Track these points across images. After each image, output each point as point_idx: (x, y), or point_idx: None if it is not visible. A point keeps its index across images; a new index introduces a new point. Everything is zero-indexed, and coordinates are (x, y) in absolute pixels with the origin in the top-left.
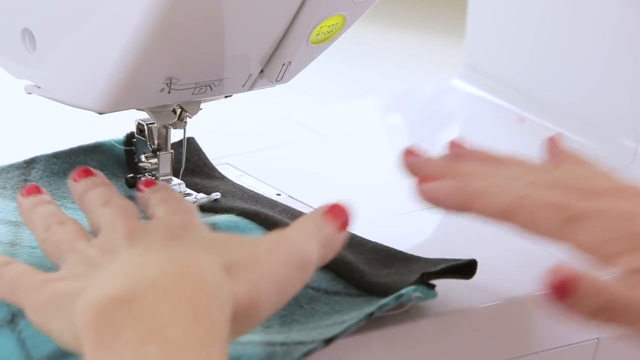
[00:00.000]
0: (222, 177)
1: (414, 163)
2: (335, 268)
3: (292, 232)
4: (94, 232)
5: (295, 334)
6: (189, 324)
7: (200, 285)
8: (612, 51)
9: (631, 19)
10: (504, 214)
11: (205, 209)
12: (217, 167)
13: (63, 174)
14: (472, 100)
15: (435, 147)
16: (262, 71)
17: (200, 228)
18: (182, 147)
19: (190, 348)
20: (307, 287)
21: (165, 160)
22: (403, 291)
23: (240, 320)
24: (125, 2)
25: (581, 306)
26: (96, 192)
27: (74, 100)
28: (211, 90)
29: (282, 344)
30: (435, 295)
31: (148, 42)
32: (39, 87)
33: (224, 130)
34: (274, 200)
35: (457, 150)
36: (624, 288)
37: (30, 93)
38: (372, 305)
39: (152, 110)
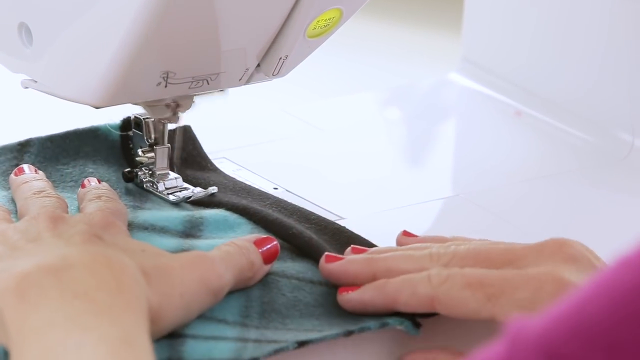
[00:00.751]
0: (215, 169)
1: (334, 269)
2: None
3: (211, 255)
4: (20, 219)
5: (271, 333)
6: (114, 291)
7: (123, 268)
8: (609, 45)
9: (628, 14)
10: (428, 304)
11: (196, 202)
12: (214, 161)
13: (55, 159)
14: (470, 94)
15: (432, 141)
16: (258, 65)
17: (121, 232)
18: (176, 140)
19: (116, 309)
20: (292, 277)
21: (162, 154)
22: (389, 321)
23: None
24: None
25: None
26: (34, 184)
27: (71, 94)
28: (208, 84)
29: (256, 340)
30: (417, 334)
31: (144, 36)
32: (36, 82)
33: (221, 125)
34: (265, 193)
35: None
36: None
37: (27, 87)
38: (354, 325)
39: (148, 104)
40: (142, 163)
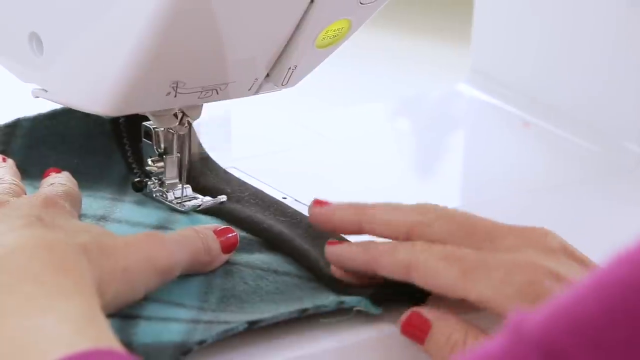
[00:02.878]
0: (228, 178)
1: (321, 213)
2: (291, 252)
3: (164, 234)
4: None
5: (226, 315)
6: (60, 274)
7: (63, 249)
8: (616, 55)
9: (635, 23)
10: (405, 270)
11: (205, 211)
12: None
13: (42, 143)
14: (478, 104)
15: (441, 151)
16: (268, 75)
17: (64, 212)
18: (185, 150)
19: (66, 289)
20: (257, 267)
21: (171, 163)
22: (346, 300)
23: None
24: (132, 6)
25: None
26: None
27: (81, 103)
28: (217, 94)
29: (207, 322)
30: (378, 312)
31: (154, 46)
32: (46, 91)
33: (231, 134)
34: (245, 183)
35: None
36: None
37: (37, 97)
38: (310, 303)
39: (155, 114)
40: (151, 172)
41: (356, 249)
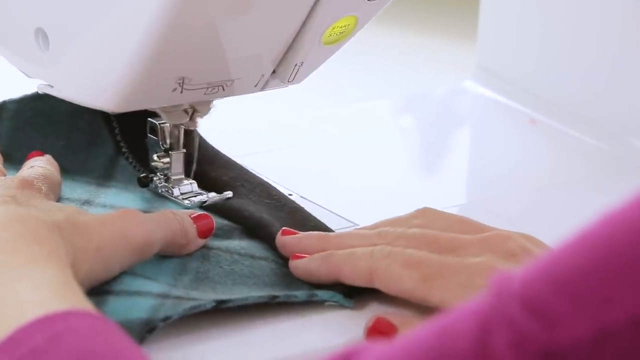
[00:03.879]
0: (214, 157)
1: (288, 241)
2: (269, 239)
3: (141, 213)
4: None
5: (196, 292)
6: (33, 242)
7: (36, 223)
8: (622, 52)
9: None
10: (367, 277)
11: (210, 207)
12: None
13: (29, 125)
14: (484, 101)
15: (446, 148)
16: (274, 71)
17: (39, 193)
18: (194, 146)
19: (41, 258)
20: (234, 252)
21: (177, 159)
22: (318, 293)
23: None
24: (137, 2)
25: None
26: None
27: (87, 99)
28: (223, 90)
29: (176, 297)
30: (351, 305)
31: (160, 42)
32: (52, 87)
33: (237, 130)
34: (232, 164)
35: None
36: None
37: (43, 92)
38: (282, 292)
39: (164, 110)
40: (157, 168)
41: (318, 263)
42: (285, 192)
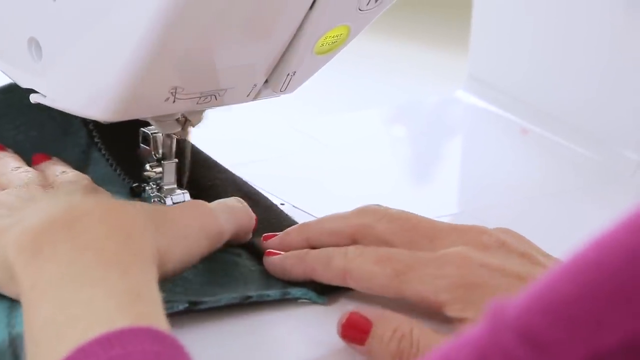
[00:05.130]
0: (225, 171)
1: (272, 243)
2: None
3: (212, 205)
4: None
5: (168, 295)
6: (123, 241)
7: (130, 217)
8: (614, 62)
9: (632, 30)
10: (341, 276)
11: None
12: None
13: (2, 116)
14: (476, 111)
15: (438, 158)
16: (266, 81)
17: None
18: (185, 156)
19: (125, 258)
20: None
21: (169, 169)
22: (291, 290)
23: None
24: (130, 11)
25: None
26: (7, 160)
27: (80, 109)
28: (216, 99)
29: None
30: (324, 301)
31: (153, 51)
32: (45, 96)
33: (228, 140)
34: (214, 166)
35: None
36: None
37: (35, 102)
38: (255, 291)
39: (156, 120)
40: (149, 178)
41: (293, 261)
42: (278, 202)
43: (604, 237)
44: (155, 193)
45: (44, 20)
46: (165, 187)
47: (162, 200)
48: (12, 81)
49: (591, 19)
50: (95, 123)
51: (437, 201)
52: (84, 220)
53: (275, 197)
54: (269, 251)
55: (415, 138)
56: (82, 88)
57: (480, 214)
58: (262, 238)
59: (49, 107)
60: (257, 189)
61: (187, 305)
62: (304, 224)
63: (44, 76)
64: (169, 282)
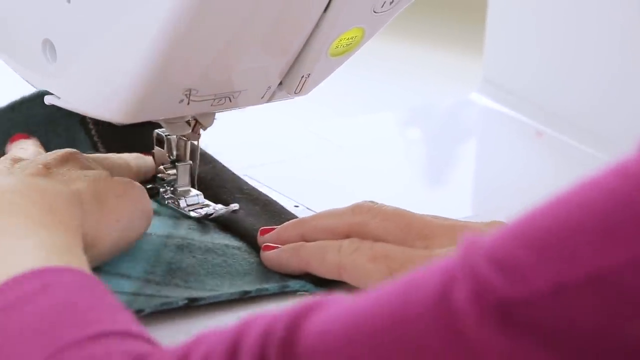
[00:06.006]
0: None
1: (268, 239)
2: (242, 231)
3: (127, 157)
4: None
5: (168, 290)
6: (47, 211)
7: (53, 195)
8: (629, 66)
9: None
10: (336, 271)
11: (217, 220)
12: None
13: (8, 136)
14: (490, 114)
15: (452, 161)
16: (281, 83)
17: (79, 165)
18: (196, 158)
19: (51, 224)
20: (208, 242)
21: (183, 171)
22: (290, 283)
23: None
24: (145, 13)
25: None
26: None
27: (94, 110)
28: (230, 101)
29: (149, 295)
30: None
31: (167, 53)
32: (59, 98)
33: (243, 142)
34: (239, 181)
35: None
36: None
37: (50, 103)
38: (254, 284)
39: (167, 121)
40: (163, 180)
41: (288, 255)
42: (292, 204)
43: (590, 180)
44: (170, 195)
45: (59, 22)
46: (180, 189)
47: (177, 202)
48: (17, 99)
49: (604, 22)
50: (99, 134)
51: (451, 204)
52: (6, 195)
53: (289, 199)
54: (266, 245)
55: (429, 140)
56: (96, 89)
57: (494, 216)
58: (259, 232)
59: (54, 123)
60: (272, 191)
61: (186, 301)
62: (300, 220)
63: (58, 78)
64: (166, 271)
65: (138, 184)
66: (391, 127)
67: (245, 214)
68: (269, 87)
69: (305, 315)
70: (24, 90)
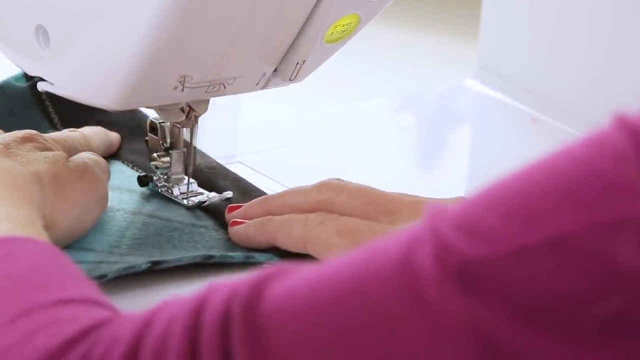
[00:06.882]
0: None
1: (236, 215)
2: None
3: (94, 167)
4: None
5: (132, 258)
6: (11, 188)
7: (17, 174)
8: (625, 52)
9: None
10: (301, 245)
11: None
12: (229, 165)
13: None
14: (485, 100)
15: (447, 147)
16: (275, 70)
17: (40, 146)
18: (191, 145)
19: (15, 198)
20: (174, 221)
21: (177, 158)
22: (255, 255)
23: None
24: None
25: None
26: None
27: (87, 97)
28: (224, 88)
29: (112, 262)
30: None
31: (161, 39)
32: (52, 84)
33: (237, 129)
34: (229, 171)
35: None
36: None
37: (43, 89)
38: (218, 251)
39: (161, 108)
40: (157, 167)
41: (254, 228)
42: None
43: (562, 150)
44: (163, 183)
45: (52, 7)
46: (173, 177)
47: (170, 190)
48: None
49: (601, 9)
50: (60, 118)
51: (445, 190)
52: None
53: (283, 186)
54: (234, 221)
55: (424, 127)
56: (89, 76)
57: None
58: (226, 209)
59: (14, 115)
60: (266, 177)
61: (149, 265)
62: (267, 197)
63: (52, 64)
64: (131, 245)
65: (97, 168)
66: (385, 113)
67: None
68: (264, 74)
69: (270, 280)
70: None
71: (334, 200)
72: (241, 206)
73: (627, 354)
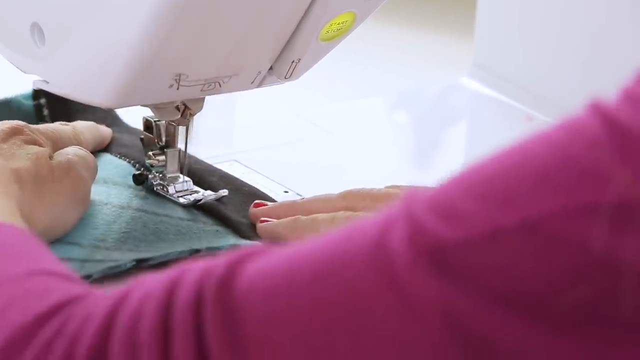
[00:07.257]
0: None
1: (261, 212)
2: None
3: (78, 168)
4: None
5: (118, 254)
6: None
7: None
8: (621, 50)
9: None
10: None
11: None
12: (224, 163)
13: None
14: (481, 98)
15: (442, 145)
16: (271, 68)
17: (26, 140)
18: (185, 143)
19: None
20: (162, 215)
21: (172, 157)
22: (242, 243)
23: None
24: None
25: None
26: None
27: (83, 95)
28: (220, 86)
29: (98, 261)
30: None
31: (157, 38)
32: (47, 82)
33: (232, 127)
34: (217, 168)
35: None
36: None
37: (38, 88)
38: (202, 243)
39: (156, 107)
40: (152, 166)
41: (283, 226)
42: (281, 190)
43: (538, 134)
44: (158, 181)
45: (47, 5)
46: (169, 175)
47: (165, 188)
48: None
49: (597, 7)
50: (48, 104)
51: None
52: None
53: (278, 184)
54: (262, 219)
55: (419, 125)
56: (85, 74)
57: None
58: (252, 205)
59: (6, 118)
60: (262, 176)
61: (134, 263)
62: (293, 202)
63: (47, 62)
64: (117, 239)
65: (81, 165)
66: (381, 111)
67: (230, 200)
68: (259, 72)
69: (245, 260)
70: (14, 76)
71: (357, 205)
72: (266, 204)
73: (601, 341)
